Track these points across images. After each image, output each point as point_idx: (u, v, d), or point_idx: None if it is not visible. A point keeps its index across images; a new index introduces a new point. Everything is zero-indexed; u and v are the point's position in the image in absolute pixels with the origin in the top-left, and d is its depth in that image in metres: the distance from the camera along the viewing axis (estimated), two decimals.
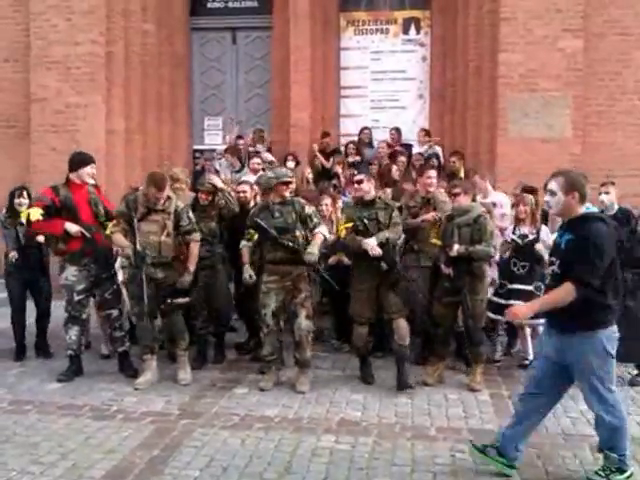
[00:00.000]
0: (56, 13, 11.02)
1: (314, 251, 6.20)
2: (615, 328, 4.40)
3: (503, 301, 6.94)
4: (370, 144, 11.39)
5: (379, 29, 12.17)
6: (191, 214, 6.59)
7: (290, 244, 6.20)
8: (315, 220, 6.40)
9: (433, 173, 7.38)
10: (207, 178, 7.52)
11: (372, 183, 6.57)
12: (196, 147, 12.45)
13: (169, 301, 6.43)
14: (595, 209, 7.65)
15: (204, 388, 6.34)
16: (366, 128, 11.53)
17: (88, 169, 6.55)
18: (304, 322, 6.29)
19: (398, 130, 11.37)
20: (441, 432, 5.34)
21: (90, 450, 4.91)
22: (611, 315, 4.36)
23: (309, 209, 6.46)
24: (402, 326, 6.39)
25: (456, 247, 6.33)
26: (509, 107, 10.40)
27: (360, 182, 6.54)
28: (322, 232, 6.39)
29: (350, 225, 6.46)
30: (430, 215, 6.99)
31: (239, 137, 11.21)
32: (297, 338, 6.31)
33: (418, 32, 12.13)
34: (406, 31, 12.14)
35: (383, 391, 6.30)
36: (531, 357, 7.14)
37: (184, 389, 6.30)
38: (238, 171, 10.20)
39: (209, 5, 12.50)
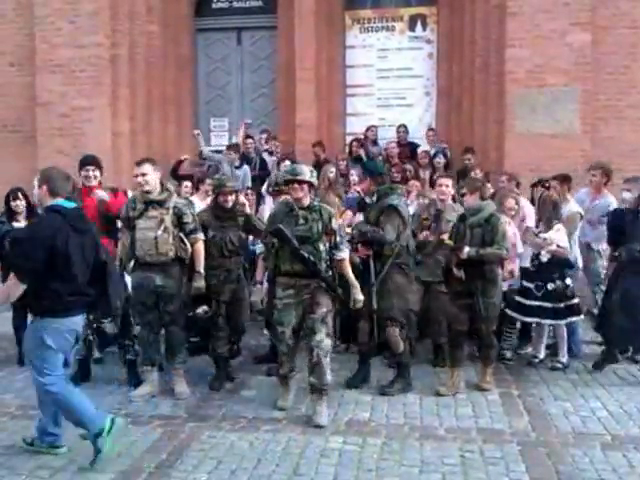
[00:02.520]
0: (60, 16, 11.02)
1: (359, 297, 5.68)
2: (66, 320, 4.64)
3: (524, 300, 6.94)
4: (376, 142, 11.35)
5: (385, 26, 12.11)
6: (193, 211, 6.23)
7: (311, 258, 5.47)
8: (339, 239, 5.68)
9: (447, 182, 6.97)
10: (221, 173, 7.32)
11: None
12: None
13: (190, 314, 6.10)
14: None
15: (211, 391, 6.30)
16: (373, 126, 11.49)
17: (83, 172, 6.68)
18: (324, 341, 5.51)
19: (405, 128, 11.33)
20: (450, 432, 5.31)
21: None
22: (60, 305, 4.59)
23: (336, 223, 5.71)
24: (391, 335, 6.20)
25: (466, 249, 6.10)
26: (517, 103, 10.33)
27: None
28: (346, 256, 5.75)
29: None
30: (424, 235, 6.85)
31: (248, 137, 11.12)
32: (315, 359, 5.50)
33: (424, 29, 12.05)
34: (412, 28, 12.07)
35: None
36: (542, 356, 7.10)
37: (191, 392, 6.26)
38: (238, 167, 10.18)
39: (214, 5, 12.48)
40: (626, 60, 10.49)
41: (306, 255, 5.45)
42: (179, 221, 6.01)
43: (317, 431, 5.30)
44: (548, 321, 6.90)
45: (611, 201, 7.84)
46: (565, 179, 7.73)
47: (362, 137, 11.27)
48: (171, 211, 5.99)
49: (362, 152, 10.72)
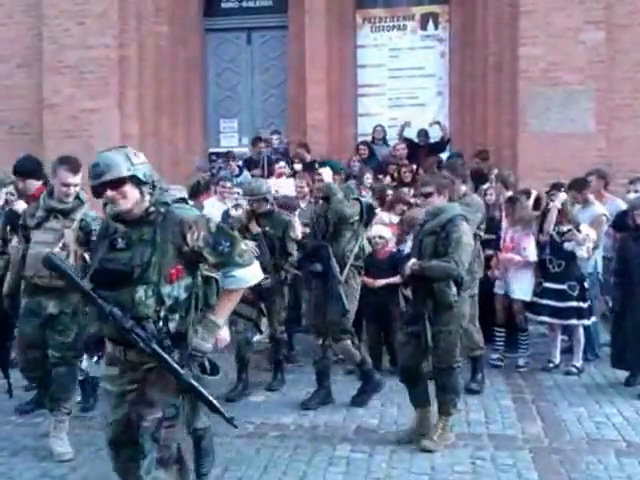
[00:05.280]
0: (69, 17, 10.95)
1: (204, 342, 3.27)
2: None
3: (538, 300, 6.84)
4: (384, 142, 11.24)
5: (396, 25, 12.00)
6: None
7: (114, 312, 3.15)
8: (214, 259, 3.20)
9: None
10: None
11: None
12: (212, 150, 12.31)
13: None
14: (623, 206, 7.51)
15: (218, 396, 6.17)
16: (379, 126, 11.38)
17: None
18: (152, 472, 3.32)
19: (426, 132, 11.23)
20: (461, 438, 5.21)
21: (100, 462, 4.80)
22: None
23: (205, 235, 3.17)
24: (345, 349, 6.02)
25: (409, 263, 5.02)
26: (530, 102, 10.20)
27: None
28: (240, 284, 3.29)
29: None
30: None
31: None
32: None
33: (436, 27, 11.94)
34: (424, 27, 11.96)
35: (400, 398, 6.10)
36: (557, 361, 6.97)
37: None
38: (237, 175, 10.04)
39: (223, 5, 12.42)
40: None
41: (107, 309, 3.16)
42: (86, 238, 4.85)
43: (325, 438, 5.24)
44: (574, 321, 6.79)
45: (619, 204, 7.68)
46: (581, 186, 7.53)
47: (370, 139, 11.16)
48: (76, 224, 4.90)
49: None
